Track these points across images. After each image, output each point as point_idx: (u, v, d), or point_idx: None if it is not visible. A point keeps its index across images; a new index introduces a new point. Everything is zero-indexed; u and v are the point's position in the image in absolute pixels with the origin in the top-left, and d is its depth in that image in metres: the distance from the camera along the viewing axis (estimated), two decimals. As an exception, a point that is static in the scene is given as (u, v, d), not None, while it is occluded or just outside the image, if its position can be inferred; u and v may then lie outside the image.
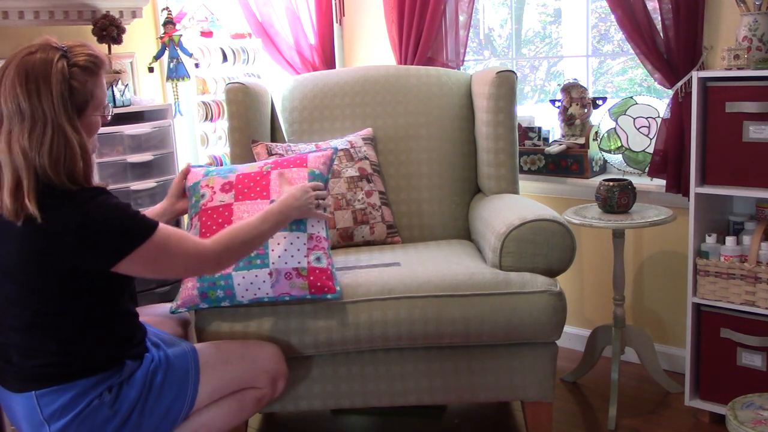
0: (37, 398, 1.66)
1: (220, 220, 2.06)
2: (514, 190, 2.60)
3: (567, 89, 3.00)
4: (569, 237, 2.13)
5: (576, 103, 2.98)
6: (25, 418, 1.69)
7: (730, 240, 2.36)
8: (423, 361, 2.14)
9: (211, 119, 3.53)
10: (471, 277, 2.10)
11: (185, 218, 2.20)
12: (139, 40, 3.52)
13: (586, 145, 2.92)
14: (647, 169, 2.78)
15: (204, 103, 3.51)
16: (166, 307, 2.13)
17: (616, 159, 2.93)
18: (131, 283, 1.79)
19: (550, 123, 3.15)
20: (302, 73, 3.35)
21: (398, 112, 2.76)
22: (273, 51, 3.57)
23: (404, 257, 2.33)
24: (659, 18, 2.60)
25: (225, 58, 3.56)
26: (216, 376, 1.85)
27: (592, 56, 3.18)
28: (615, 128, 2.90)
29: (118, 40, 3.17)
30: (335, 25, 3.55)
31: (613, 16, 2.73)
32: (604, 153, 2.96)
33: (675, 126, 2.64)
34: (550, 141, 3.05)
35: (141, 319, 1.85)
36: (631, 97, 2.90)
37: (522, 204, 2.34)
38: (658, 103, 2.85)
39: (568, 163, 2.96)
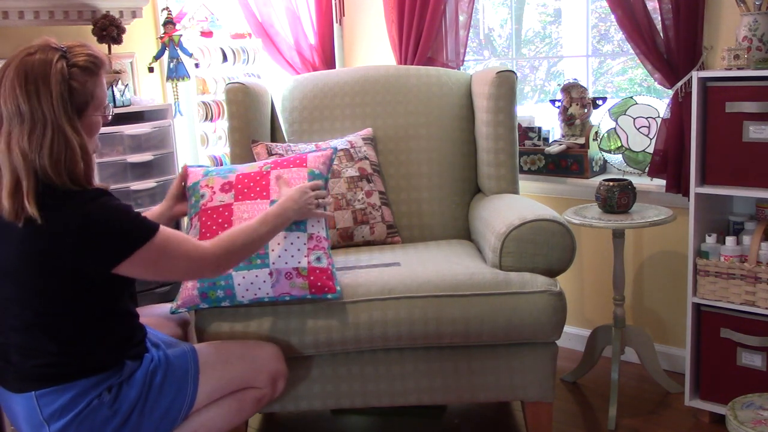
0: (37, 398, 1.66)
1: (220, 220, 2.06)
2: (514, 190, 2.60)
3: (567, 89, 3.00)
4: (569, 237, 2.13)
5: (576, 103, 2.98)
6: (25, 419, 1.69)
7: (730, 240, 2.36)
8: (423, 361, 2.14)
9: (211, 119, 3.53)
10: (471, 277, 2.10)
11: (185, 219, 2.20)
12: (139, 40, 3.52)
13: (586, 145, 2.92)
14: (647, 169, 2.78)
15: (204, 103, 3.51)
16: (166, 307, 2.13)
17: (616, 159, 2.93)
18: (132, 284, 1.79)
19: (550, 123, 3.15)
20: (302, 73, 3.35)
21: (398, 112, 2.76)
22: (273, 51, 3.57)
23: (404, 257, 2.33)
24: (659, 18, 2.60)
25: (225, 58, 3.56)
26: (215, 375, 1.85)
27: (592, 56, 3.18)
28: (615, 128, 2.90)
29: (118, 40, 3.17)
30: (335, 25, 3.55)
31: (613, 16, 2.73)
32: (604, 153, 2.96)
33: (675, 126, 2.64)
34: (550, 141, 3.05)
35: (140, 321, 1.85)
36: (631, 97, 2.90)
37: (522, 204, 2.34)
38: (658, 103, 2.85)
39: (568, 163, 2.96)
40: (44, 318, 1.66)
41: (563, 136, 3.03)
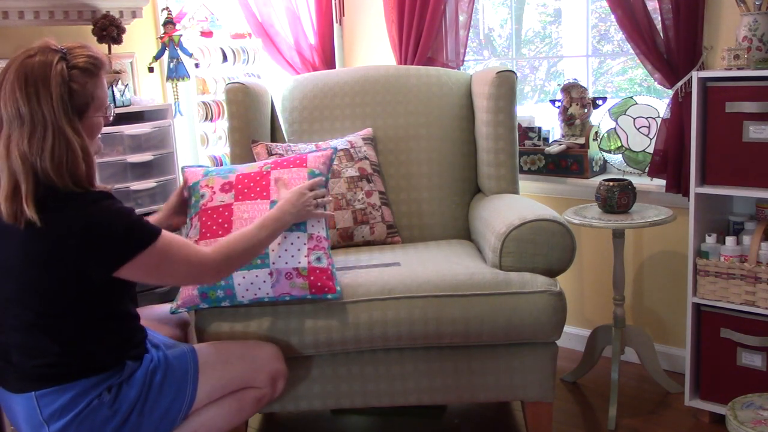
0: (37, 399, 1.66)
1: (220, 220, 2.06)
2: (514, 190, 2.60)
3: (567, 89, 3.00)
4: (569, 237, 2.13)
5: (576, 103, 2.98)
6: (25, 419, 1.69)
7: (730, 240, 2.36)
8: (423, 361, 2.14)
9: (211, 119, 3.53)
10: (471, 277, 2.10)
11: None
12: (139, 40, 3.52)
13: (586, 145, 2.92)
14: (647, 169, 2.78)
15: (204, 103, 3.51)
16: (166, 307, 2.13)
17: (616, 159, 2.93)
18: (133, 286, 1.79)
19: (550, 123, 3.14)
20: (302, 73, 3.35)
21: (398, 112, 2.76)
22: (273, 51, 3.57)
23: (404, 257, 2.33)
24: (659, 18, 2.60)
25: (225, 58, 3.56)
26: (215, 375, 1.85)
27: (592, 56, 3.18)
28: (615, 128, 2.90)
29: (118, 40, 3.17)
30: (335, 25, 3.55)
31: (613, 16, 2.73)
32: (604, 153, 2.96)
33: (675, 126, 2.64)
34: (550, 141, 3.05)
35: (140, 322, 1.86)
36: (631, 97, 2.90)
37: (522, 204, 2.34)
38: (658, 103, 2.84)
39: (568, 163, 2.96)
40: (45, 318, 1.66)
41: (563, 136, 3.03)
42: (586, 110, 2.97)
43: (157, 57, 3.37)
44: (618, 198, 2.53)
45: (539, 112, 3.27)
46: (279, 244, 2.02)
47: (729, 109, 2.27)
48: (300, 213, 1.99)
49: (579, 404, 2.70)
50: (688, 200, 2.41)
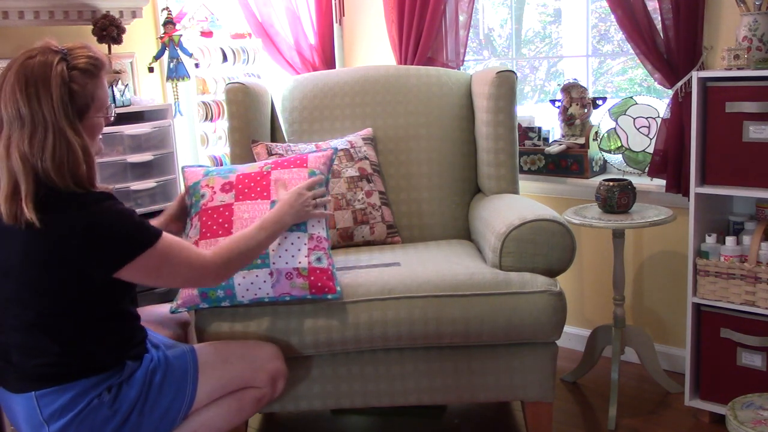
0: (37, 399, 1.66)
1: (220, 220, 2.06)
2: (514, 190, 2.60)
3: (567, 89, 3.00)
4: (569, 237, 2.13)
5: (576, 103, 2.98)
6: (25, 419, 1.69)
7: (730, 240, 2.36)
8: (423, 361, 2.14)
9: (211, 119, 3.53)
10: (471, 277, 2.10)
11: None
12: (139, 40, 3.52)
13: (586, 145, 2.92)
14: (647, 169, 2.78)
15: (204, 103, 3.51)
16: (166, 307, 2.13)
17: (616, 159, 2.93)
18: (133, 286, 1.79)
19: (550, 123, 3.15)
20: (302, 73, 3.35)
21: (398, 112, 2.76)
22: (273, 51, 3.57)
23: (404, 257, 2.33)
24: (659, 18, 2.60)
25: (225, 58, 3.57)
26: (215, 375, 1.85)
27: (592, 56, 3.18)
28: (615, 128, 2.90)
29: (118, 40, 3.17)
30: (335, 25, 3.55)
31: (613, 16, 2.73)
32: (604, 153, 2.96)
33: (675, 126, 2.64)
34: (550, 141, 3.05)
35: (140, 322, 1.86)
36: (631, 97, 2.90)
37: (522, 204, 2.34)
38: (658, 103, 2.84)
39: (568, 163, 2.96)
40: (45, 318, 1.66)
41: (563, 136, 3.03)
42: (586, 110, 2.97)
43: (157, 57, 3.37)
44: (618, 198, 2.53)
45: (539, 112, 3.27)
46: (279, 244, 2.02)
47: (729, 109, 2.27)
48: (299, 214, 2.00)
49: (579, 404, 2.70)
50: (688, 200, 2.41)
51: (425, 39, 3.17)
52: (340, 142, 2.63)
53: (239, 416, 1.92)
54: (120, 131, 3.08)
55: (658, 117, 2.78)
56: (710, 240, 2.40)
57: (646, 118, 2.84)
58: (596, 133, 2.94)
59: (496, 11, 3.58)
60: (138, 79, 3.52)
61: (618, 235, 2.60)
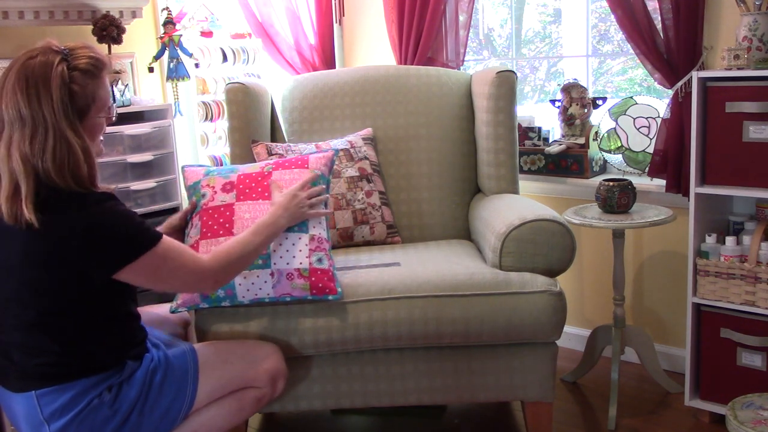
0: (38, 398, 1.66)
1: (221, 220, 2.06)
2: (514, 190, 2.60)
3: (567, 89, 3.00)
4: (569, 237, 2.13)
5: (576, 103, 2.98)
6: (25, 418, 1.69)
7: (730, 240, 2.36)
8: (423, 361, 2.14)
9: (211, 119, 3.53)
10: (471, 277, 2.10)
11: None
12: (139, 40, 3.52)
13: (586, 145, 2.92)
14: (647, 169, 2.78)
15: (204, 103, 3.51)
16: (166, 307, 2.12)
17: (616, 159, 2.93)
18: (134, 287, 1.79)
19: (550, 123, 3.15)
20: (302, 73, 3.35)
21: (398, 112, 2.76)
22: (273, 51, 3.57)
23: (404, 257, 2.33)
24: (659, 18, 2.61)
25: (225, 58, 3.56)
26: (215, 375, 1.85)
27: (592, 56, 3.18)
28: (615, 128, 2.90)
29: (118, 40, 3.17)
30: (335, 25, 3.55)
31: (613, 16, 2.73)
32: (604, 153, 2.96)
33: (675, 126, 2.64)
34: (550, 141, 3.05)
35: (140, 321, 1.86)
36: (631, 97, 2.90)
37: (522, 204, 2.34)
38: (658, 103, 2.85)
39: (568, 163, 2.96)
40: (46, 318, 1.66)
41: (563, 136, 3.03)
42: (586, 110, 2.97)
43: (157, 57, 3.37)
44: (618, 198, 2.53)
45: (539, 112, 3.27)
46: (280, 244, 2.02)
47: (729, 109, 2.27)
48: (294, 215, 1.99)
49: (579, 404, 2.70)
50: (688, 200, 2.41)
51: (425, 39, 3.17)
52: (340, 142, 2.63)
53: (239, 416, 1.92)
54: (120, 131, 3.08)
55: (658, 117, 2.78)
56: (710, 240, 2.40)
57: (646, 118, 2.84)
58: (596, 133, 2.94)
59: (496, 11, 3.58)
60: (138, 79, 3.52)
61: (618, 235, 2.60)
